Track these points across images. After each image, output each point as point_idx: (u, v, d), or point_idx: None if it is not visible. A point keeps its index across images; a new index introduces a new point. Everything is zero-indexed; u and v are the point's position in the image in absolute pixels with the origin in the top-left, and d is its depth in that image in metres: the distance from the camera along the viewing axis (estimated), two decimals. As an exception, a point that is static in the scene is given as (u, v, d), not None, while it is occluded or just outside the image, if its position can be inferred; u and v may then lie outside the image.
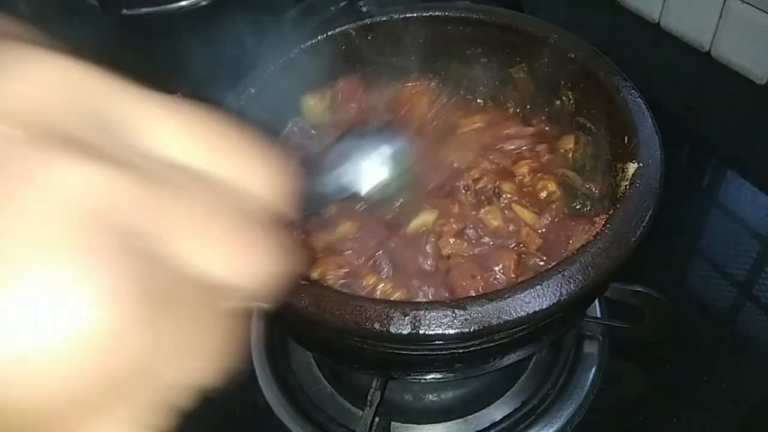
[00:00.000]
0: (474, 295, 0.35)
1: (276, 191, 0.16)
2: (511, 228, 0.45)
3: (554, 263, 0.35)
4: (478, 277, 0.42)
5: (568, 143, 0.49)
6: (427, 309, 0.33)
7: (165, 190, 0.13)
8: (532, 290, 0.33)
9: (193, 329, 0.14)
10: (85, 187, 0.12)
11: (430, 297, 0.42)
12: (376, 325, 0.33)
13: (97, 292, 0.12)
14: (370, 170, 0.38)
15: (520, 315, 0.32)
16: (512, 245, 0.44)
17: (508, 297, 0.32)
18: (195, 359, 0.14)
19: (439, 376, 0.43)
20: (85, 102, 0.13)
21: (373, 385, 0.45)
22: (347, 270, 0.44)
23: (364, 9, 0.72)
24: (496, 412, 0.49)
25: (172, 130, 0.14)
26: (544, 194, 0.46)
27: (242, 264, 0.15)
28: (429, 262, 0.44)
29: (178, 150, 0.14)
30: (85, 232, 0.12)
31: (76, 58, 0.14)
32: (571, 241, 0.43)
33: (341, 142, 0.42)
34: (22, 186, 0.12)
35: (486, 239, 0.45)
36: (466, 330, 0.32)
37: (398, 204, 0.47)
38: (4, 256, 0.12)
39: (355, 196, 0.39)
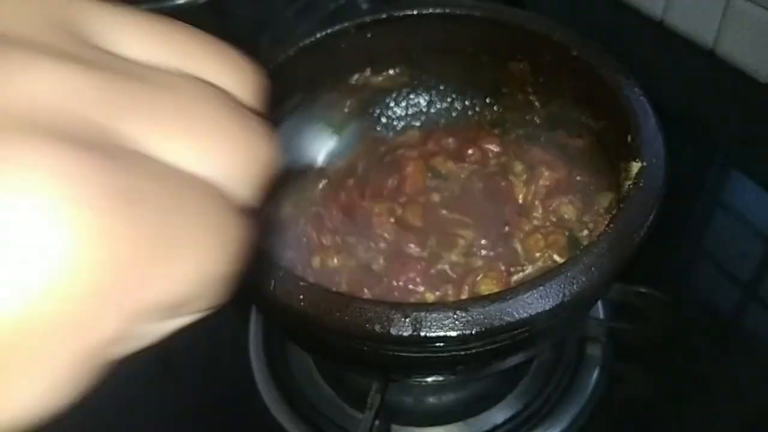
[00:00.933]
0: (476, 297, 0.35)
1: (248, 87, 0.15)
2: None
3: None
4: None
5: (606, 200, 0.46)
6: (428, 310, 0.32)
7: (134, 83, 0.13)
8: (534, 291, 0.32)
9: (171, 228, 0.12)
10: (47, 83, 0.11)
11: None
12: (377, 327, 0.32)
13: (65, 194, 0.10)
14: (316, 141, 0.39)
15: (522, 316, 0.32)
16: None
17: (510, 298, 0.32)
18: (178, 264, 0.12)
19: (440, 378, 0.42)
20: (47, 7, 0.13)
21: (373, 387, 0.44)
22: None
23: (364, 6, 0.72)
24: (498, 414, 0.49)
25: (142, 34, 0.14)
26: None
27: (224, 154, 0.13)
28: None
29: (147, 52, 0.14)
30: (47, 128, 0.11)
31: None
32: None
33: (281, 123, 0.42)
34: None
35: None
36: (468, 332, 0.31)
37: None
38: None
39: (309, 167, 0.39)
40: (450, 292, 0.44)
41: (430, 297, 0.43)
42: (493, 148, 0.52)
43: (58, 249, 0.10)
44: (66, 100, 0.12)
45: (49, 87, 0.12)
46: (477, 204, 0.48)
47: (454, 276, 0.44)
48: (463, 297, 0.42)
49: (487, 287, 0.42)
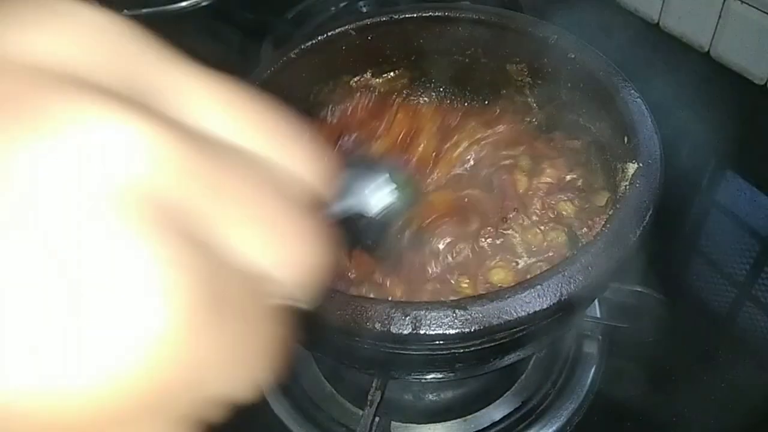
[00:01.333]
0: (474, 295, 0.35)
1: (315, 174, 0.14)
2: None
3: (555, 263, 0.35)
4: None
5: (602, 199, 0.47)
6: (427, 309, 0.33)
7: (216, 161, 0.12)
8: (532, 290, 0.33)
9: (242, 333, 0.12)
10: (129, 145, 0.10)
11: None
12: (377, 325, 0.33)
13: (158, 291, 0.10)
14: (375, 194, 0.39)
15: (520, 315, 0.32)
16: None
17: (508, 297, 0.32)
18: (239, 368, 0.12)
19: (440, 375, 0.43)
20: (121, 62, 0.12)
21: (374, 384, 0.45)
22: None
23: (365, 9, 0.72)
24: (496, 411, 0.49)
25: (211, 102, 0.13)
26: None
27: (289, 254, 0.13)
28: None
29: (218, 123, 0.13)
30: (134, 209, 0.10)
31: (113, 14, 0.12)
32: None
33: (342, 173, 0.42)
34: (43, 136, 0.10)
35: None
36: (467, 330, 0.32)
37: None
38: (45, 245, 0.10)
39: (361, 216, 0.39)
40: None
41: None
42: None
43: (150, 333, 0.10)
44: (165, 177, 0.11)
45: (150, 160, 0.11)
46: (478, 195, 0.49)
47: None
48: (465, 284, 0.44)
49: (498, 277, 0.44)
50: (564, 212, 0.47)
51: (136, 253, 0.10)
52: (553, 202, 0.47)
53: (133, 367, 0.10)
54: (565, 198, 0.47)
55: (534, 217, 0.47)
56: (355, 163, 0.45)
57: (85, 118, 0.10)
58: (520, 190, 0.49)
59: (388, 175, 0.40)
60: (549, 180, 0.49)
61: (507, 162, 0.50)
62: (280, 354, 0.13)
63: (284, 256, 0.13)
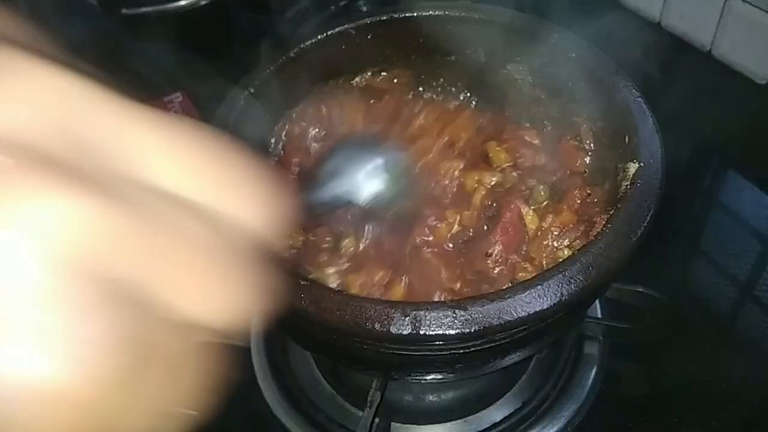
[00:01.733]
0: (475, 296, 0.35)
1: (266, 222, 0.15)
2: None
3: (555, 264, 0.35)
4: None
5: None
6: (427, 309, 0.33)
7: (150, 229, 0.12)
8: (533, 290, 0.32)
9: (169, 373, 0.13)
10: (65, 223, 0.11)
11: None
12: (377, 326, 0.32)
13: (73, 353, 0.11)
14: (366, 180, 0.38)
15: (520, 315, 0.32)
16: None
17: (509, 297, 0.32)
18: (168, 404, 0.13)
19: (440, 376, 0.43)
20: (68, 123, 0.12)
21: (373, 385, 0.45)
22: None
23: (364, 8, 0.72)
24: (497, 412, 0.49)
25: (159, 154, 0.13)
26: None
27: (222, 303, 0.14)
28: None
29: (165, 175, 0.13)
30: (64, 280, 0.11)
31: (64, 67, 0.13)
32: None
33: (334, 153, 0.42)
34: None
35: None
36: (467, 330, 0.32)
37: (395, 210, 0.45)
38: None
39: (350, 204, 0.38)
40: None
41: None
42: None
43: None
44: (79, 241, 0.12)
45: (73, 222, 0.11)
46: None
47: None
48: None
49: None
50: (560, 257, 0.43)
51: (49, 309, 0.11)
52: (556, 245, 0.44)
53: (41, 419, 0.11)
54: (567, 244, 0.44)
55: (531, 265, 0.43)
56: (352, 143, 0.45)
57: (20, 194, 0.11)
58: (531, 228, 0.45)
59: (383, 161, 0.40)
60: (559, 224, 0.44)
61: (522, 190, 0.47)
62: (208, 385, 0.14)
63: (214, 305, 0.14)
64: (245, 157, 0.15)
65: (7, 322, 0.11)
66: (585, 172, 0.47)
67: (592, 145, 0.47)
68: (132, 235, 0.12)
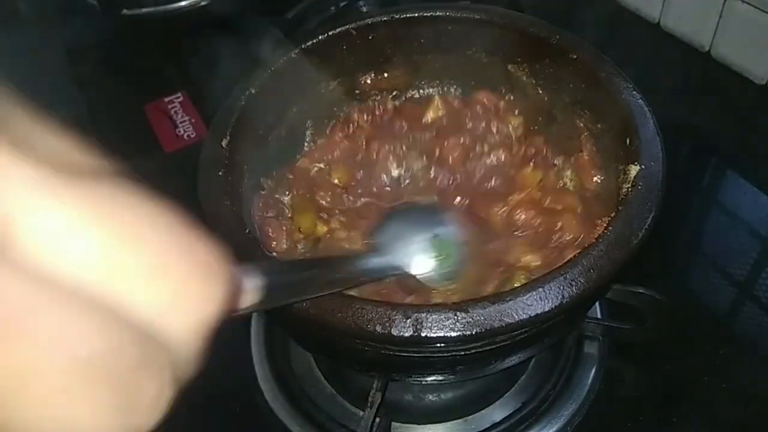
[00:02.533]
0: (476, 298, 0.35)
1: (197, 316, 0.13)
2: None
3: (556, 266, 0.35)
4: None
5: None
6: (428, 311, 0.33)
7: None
8: (534, 293, 0.33)
9: (133, 385, 0.13)
10: None
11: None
12: (378, 328, 0.32)
13: None
14: (421, 253, 0.38)
15: (521, 318, 0.32)
16: None
17: (510, 300, 0.32)
18: (130, 414, 0.13)
19: (440, 377, 0.43)
20: None
21: (374, 386, 0.45)
22: None
23: (365, 9, 0.72)
24: (497, 412, 0.49)
25: (70, 238, 0.12)
26: None
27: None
28: None
29: (73, 266, 0.12)
30: None
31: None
32: None
33: (388, 221, 0.41)
34: None
35: None
36: (468, 333, 0.32)
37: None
38: None
39: (405, 274, 0.38)
40: None
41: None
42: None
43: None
44: None
45: None
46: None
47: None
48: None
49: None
50: None
51: None
52: None
53: None
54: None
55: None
56: (402, 213, 0.44)
57: None
58: None
59: (433, 235, 0.39)
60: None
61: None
62: (170, 398, 0.14)
63: None
64: (172, 225, 0.13)
65: None
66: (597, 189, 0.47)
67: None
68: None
